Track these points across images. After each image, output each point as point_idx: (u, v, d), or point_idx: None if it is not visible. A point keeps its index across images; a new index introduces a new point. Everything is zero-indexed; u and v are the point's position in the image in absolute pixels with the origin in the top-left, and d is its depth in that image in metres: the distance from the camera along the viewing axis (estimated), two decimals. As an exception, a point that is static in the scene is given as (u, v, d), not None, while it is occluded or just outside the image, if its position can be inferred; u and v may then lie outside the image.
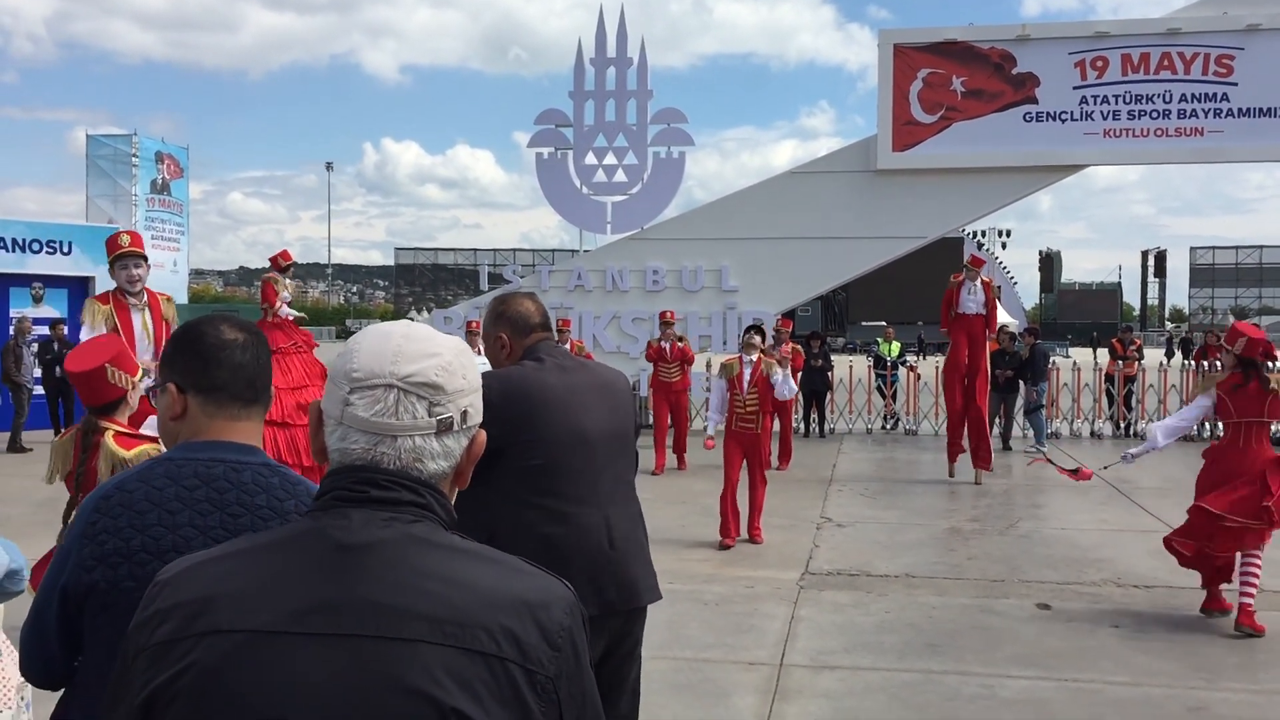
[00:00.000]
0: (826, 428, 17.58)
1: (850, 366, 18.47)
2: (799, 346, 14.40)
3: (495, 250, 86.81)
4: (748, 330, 9.55)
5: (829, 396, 17.72)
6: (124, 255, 6.51)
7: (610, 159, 17.91)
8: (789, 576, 7.96)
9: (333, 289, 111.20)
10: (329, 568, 1.29)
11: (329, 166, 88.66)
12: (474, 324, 14.21)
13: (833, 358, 18.68)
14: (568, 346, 12.83)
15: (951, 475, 12.68)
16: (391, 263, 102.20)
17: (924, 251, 18.07)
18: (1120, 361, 17.66)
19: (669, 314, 14.58)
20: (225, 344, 2.02)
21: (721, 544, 8.99)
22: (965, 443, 12.73)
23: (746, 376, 9.12)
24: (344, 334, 72.08)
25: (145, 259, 6.56)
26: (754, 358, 9.20)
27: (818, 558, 8.63)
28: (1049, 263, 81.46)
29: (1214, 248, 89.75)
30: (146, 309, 6.55)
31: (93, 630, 1.87)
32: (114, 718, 1.33)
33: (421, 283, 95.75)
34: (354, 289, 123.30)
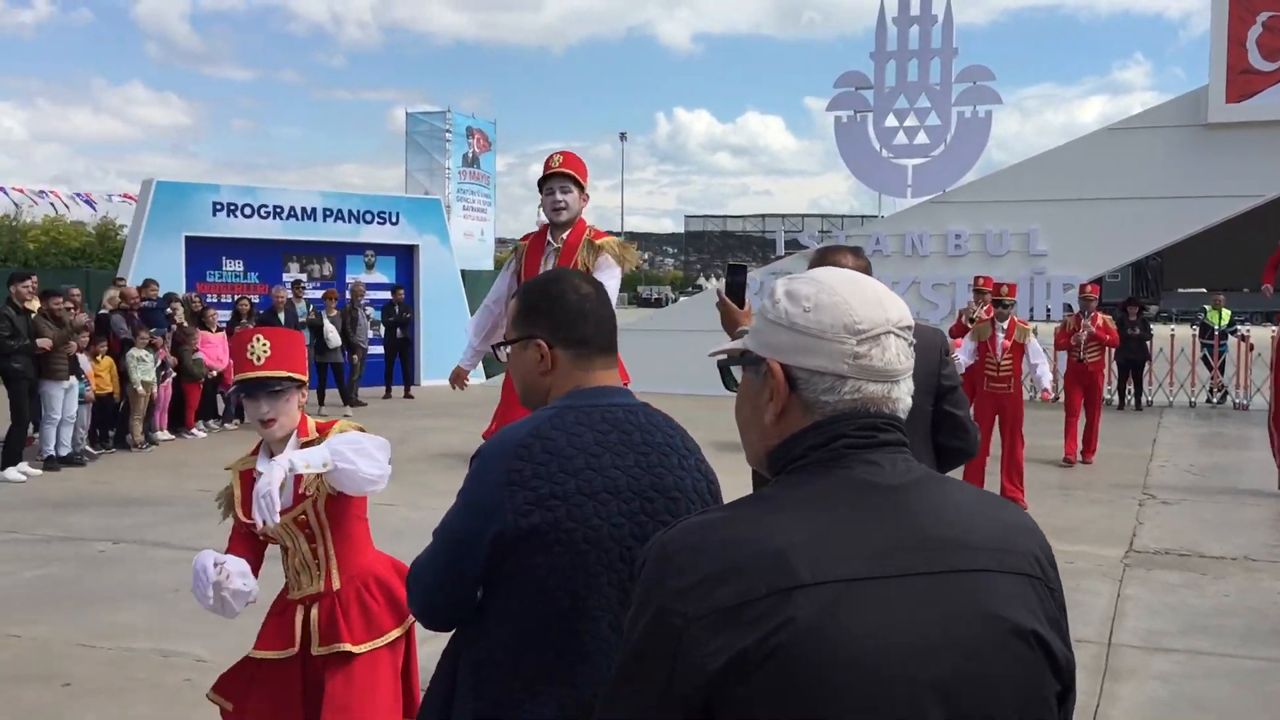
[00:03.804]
0: (1144, 400, 16.55)
1: (1171, 335, 17.25)
2: (1109, 317, 13.17)
3: (784, 216, 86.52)
4: (996, 302, 9.67)
5: (1147, 367, 16.65)
6: (549, 177, 5.32)
7: (912, 120, 17.46)
8: (1112, 553, 7.59)
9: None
10: (888, 510, 1.30)
11: (623, 137, 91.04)
12: (985, 280, 11.54)
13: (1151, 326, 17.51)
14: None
15: None
16: (681, 230, 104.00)
17: (1254, 212, 16.56)
18: None
19: (985, 280, 11.49)
20: (585, 298, 2.13)
21: None
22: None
23: (1000, 340, 9.35)
24: (635, 300, 74.00)
25: (578, 184, 5.27)
26: (1006, 323, 9.42)
27: (1142, 535, 8.18)
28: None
29: None
30: (558, 254, 5.26)
31: (526, 571, 1.94)
32: (648, 688, 1.28)
33: (710, 249, 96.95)
34: (645, 256, 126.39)
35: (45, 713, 4.78)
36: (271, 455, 3.18)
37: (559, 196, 5.27)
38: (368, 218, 19.04)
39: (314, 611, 3.19)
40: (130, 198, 26.54)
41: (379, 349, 17.44)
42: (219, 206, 17.50)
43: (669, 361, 15.21)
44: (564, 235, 5.32)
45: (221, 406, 14.36)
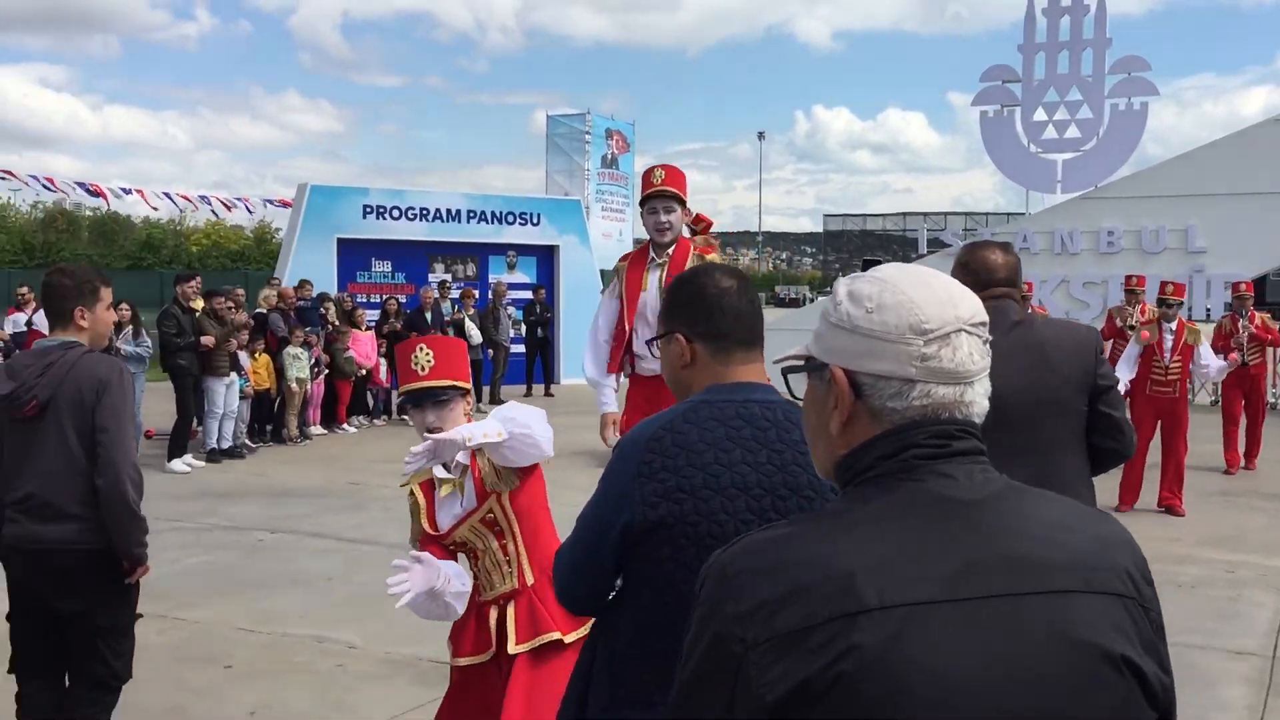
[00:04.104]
0: (1312, 404, 15.69)
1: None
2: (1267, 315, 12.41)
3: (926, 214, 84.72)
4: (1162, 302, 9.31)
5: (1315, 369, 15.78)
6: (651, 196, 5.15)
7: (1062, 114, 16.97)
8: (1277, 563, 7.21)
9: (762, 256, 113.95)
10: (963, 527, 1.22)
11: (761, 136, 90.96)
12: (1139, 280, 11.76)
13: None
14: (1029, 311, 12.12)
15: None
16: (820, 229, 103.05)
17: None
18: None
19: (1139, 279, 11.68)
20: (724, 292, 2.11)
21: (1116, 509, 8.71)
22: None
23: (1169, 343, 9.00)
24: (773, 300, 73.61)
25: (680, 200, 5.09)
26: (1174, 325, 9.08)
27: (1311, 546, 7.77)
28: None
29: None
30: (664, 269, 5.07)
31: (653, 562, 1.99)
32: (710, 707, 1.23)
33: (849, 249, 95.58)
34: (782, 256, 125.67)
35: (209, 693, 5.02)
36: (444, 464, 3.14)
37: (663, 218, 5.14)
38: (509, 219, 19.38)
39: (510, 609, 3.13)
40: (286, 203, 27.66)
41: (520, 348, 17.76)
42: (369, 209, 18.04)
43: (808, 361, 15.08)
44: (669, 251, 5.23)
45: (371, 403, 14.83)
